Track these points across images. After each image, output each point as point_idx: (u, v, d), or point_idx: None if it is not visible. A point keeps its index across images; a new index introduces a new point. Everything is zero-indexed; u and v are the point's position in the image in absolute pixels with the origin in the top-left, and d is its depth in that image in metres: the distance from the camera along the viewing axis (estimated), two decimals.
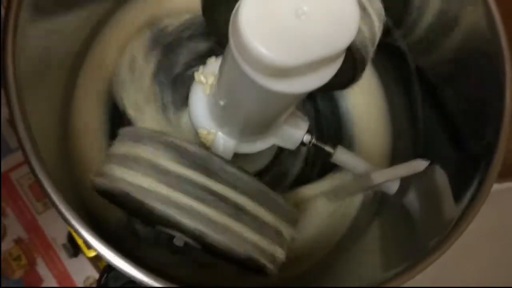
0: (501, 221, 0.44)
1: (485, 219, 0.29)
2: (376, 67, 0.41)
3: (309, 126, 0.32)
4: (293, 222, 0.28)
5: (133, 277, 0.24)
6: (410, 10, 0.34)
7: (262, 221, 0.26)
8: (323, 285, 0.35)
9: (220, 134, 0.31)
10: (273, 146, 0.33)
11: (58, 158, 0.33)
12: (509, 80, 0.29)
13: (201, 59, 0.34)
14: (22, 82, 0.26)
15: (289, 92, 0.21)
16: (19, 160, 0.45)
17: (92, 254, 0.39)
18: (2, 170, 0.45)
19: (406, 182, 0.33)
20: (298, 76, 0.20)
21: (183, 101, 0.39)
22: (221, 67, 0.26)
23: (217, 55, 0.33)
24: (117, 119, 0.38)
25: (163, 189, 0.24)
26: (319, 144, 0.33)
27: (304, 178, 0.40)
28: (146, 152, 0.25)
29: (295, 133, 0.32)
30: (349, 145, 0.40)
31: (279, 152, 0.40)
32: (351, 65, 0.29)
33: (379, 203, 0.38)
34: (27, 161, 0.25)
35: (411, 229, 0.33)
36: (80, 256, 0.44)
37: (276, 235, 0.26)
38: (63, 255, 0.44)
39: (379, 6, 0.29)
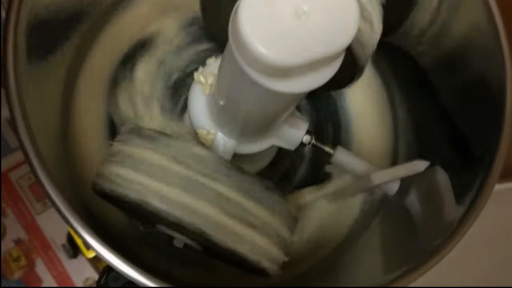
0: (501, 221, 0.44)
1: (485, 219, 0.29)
2: (376, 67, 0.41)
3: (309, 126, 0.32)
4: (294, 222, 0.28)
5: (133, 278, 0.24)
6: (410, 9, 0.34)
7: (264, 221, 0.26)
8: (323, 285, 0.35)
9: (219, 134, 0.31)
10: (272, 147, 0.33)
11: (58, 158, 0.33)
12: (510, 80, 0.29)
13: (201, 60, 0.34)
14: (22, 81, 0.26)
15: (289, 92, 0.21)
16: (19, 160, 0.45)
17: (91, 255, 0.39)
18: (2, 170, 0.45)
19: (406, 183, 0.33)
20: (298, 75, 0.20)
21: (182, 102, 0.39)
22: (221, 67, 0.26)
23: (216, 55, 0.33)
24: (117, 119, 0.38)
25: (163, 189, 0.24)
26: (319, 144, 0.33)
27: (304, 180, 0.40)
28: (146, 152, 0.25)
29: (295, 133, 0.32)
30: (349, 146, 0.40)
31: (279, 153, 0.40)
32: (351, 64, 0.29)
33: (379, 204, 0.38)
34: (27, 161, 0.25)
35: (412, 230, 0.33)
36: (80, 257, 0.44)
37: (277, 236, 0.26)
38: (62, 256, 0.44)
39: (379, 5, 0.29)
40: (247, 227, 0.25)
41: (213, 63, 0.32)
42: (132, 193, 0.25)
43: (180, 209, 0.24)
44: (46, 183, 0.25)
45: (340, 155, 0.33)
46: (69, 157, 0.35)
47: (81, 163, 0.35)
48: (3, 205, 0.44)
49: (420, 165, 0.30)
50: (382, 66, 0.40)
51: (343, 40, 0.19)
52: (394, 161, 0.40)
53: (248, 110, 0.26)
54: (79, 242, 0.39)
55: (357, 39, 0.27)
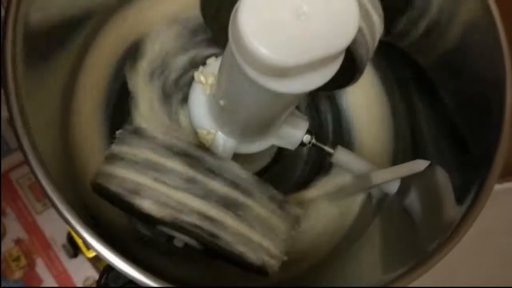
0: (501, 222, 0.44)
1: (485, 219, 0.29)
2: (376, 67, 0.41)
3: (309, 126, 0.32)
4: (294, 222, 0.28)
5: (133, 277, 0.24)
6: (410, 9, 0.34)
7: (264, 221, 0.26)
8: (323, 285, 0.35)
9: (219, 134, 0.31)
10: (272, 146, 0.33)
11: (58, 158, 0.33)
12: (509, 80, 0.29)
13: (200, 60, 0.34)
14: (21, 81, 0.26)
15: (289, 92, 0.21)
16: (19, 160, 0.45)
17: (91, 254, 0.39)
18: (2, 170, 0.45)
19: (406, 183, 0.33)
20: (298, 76, 0.20)
21: (182, 101, 0.39)
22: (221, 67, 0.26)
23: (217, 55, 0.33)
24: (117, 120, 0.38)
25: (163, 189, 0.24)
26: (319, 144, 0.33)
27: (304, 179, 0.40)
28: (146, 152, 0.26)
29: (295, 133, 0.32)
30: (349, 145, 0.40)
31: (279, 153, 0.40)
32: (351, 64, 0.29)
33: (379, 204, 0.38)
34: (26, 161, 0.25)
35: (411, 230, 0.33)
36: (80, 257, 0.44)
37: (277, 235, 0.26)
38: (62, 255, 0.44)
39: (379, 5, 0.29)
40: (247, 227, 0.25)
41: (213, 63, 0.32)
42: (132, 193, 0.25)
43: (180, 210, 0.24)
44: (45, 183, 0.25)
45: (340, 155, 0.33)
46: (68, 157, 0.35)
47: (81, 163, 0.35)
48: (3, 205, 0.44)
49: (420, 165, 0.30)
50: (382, 66, 0.40)
51: (343, 40, 0.19)
52: (394, 161, 0.40)
53: (248, 110, 0.26)
54: (79, 241, 0.39)
55: (357, 39, 0.27)
